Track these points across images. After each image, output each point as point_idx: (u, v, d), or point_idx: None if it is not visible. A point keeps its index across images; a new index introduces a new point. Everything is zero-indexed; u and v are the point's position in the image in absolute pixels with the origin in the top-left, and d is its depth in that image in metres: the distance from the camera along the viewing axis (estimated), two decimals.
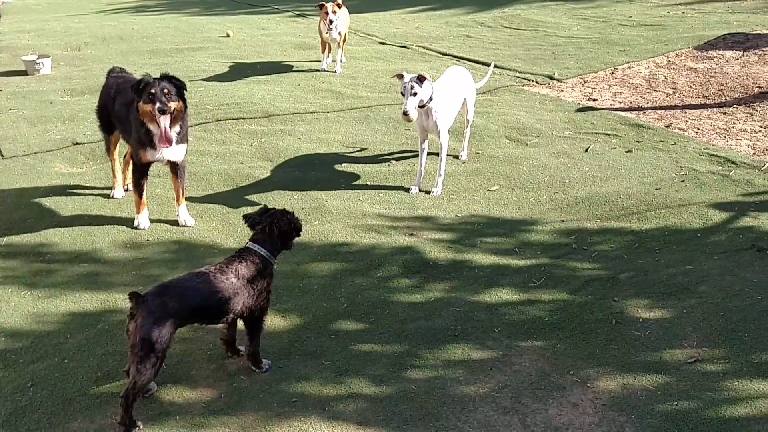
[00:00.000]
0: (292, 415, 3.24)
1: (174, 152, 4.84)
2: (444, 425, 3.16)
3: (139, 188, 4.99)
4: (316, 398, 3.35)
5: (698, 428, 3.08)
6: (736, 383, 3.34)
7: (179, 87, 4.70)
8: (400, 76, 5.32)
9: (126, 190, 5.61)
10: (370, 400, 3.33)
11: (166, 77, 4.67)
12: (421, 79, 5.23)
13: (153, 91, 4.54)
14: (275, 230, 3.47)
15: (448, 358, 3.62)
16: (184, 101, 4.75)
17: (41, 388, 3.45)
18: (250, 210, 5.20)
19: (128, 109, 4.90)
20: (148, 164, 4.94)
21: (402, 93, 5.26)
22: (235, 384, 3.44)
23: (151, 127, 4.67)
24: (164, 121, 4.59)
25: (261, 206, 3.66)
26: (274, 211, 3.55)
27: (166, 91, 4.58)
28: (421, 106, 5.34)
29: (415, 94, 5.20)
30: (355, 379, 3.47)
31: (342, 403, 3.32)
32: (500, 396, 3.32)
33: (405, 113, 5.19)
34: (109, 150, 5.57)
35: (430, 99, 5.35)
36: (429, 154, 5.69)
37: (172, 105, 4.61)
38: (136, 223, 5.03)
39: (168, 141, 4.65)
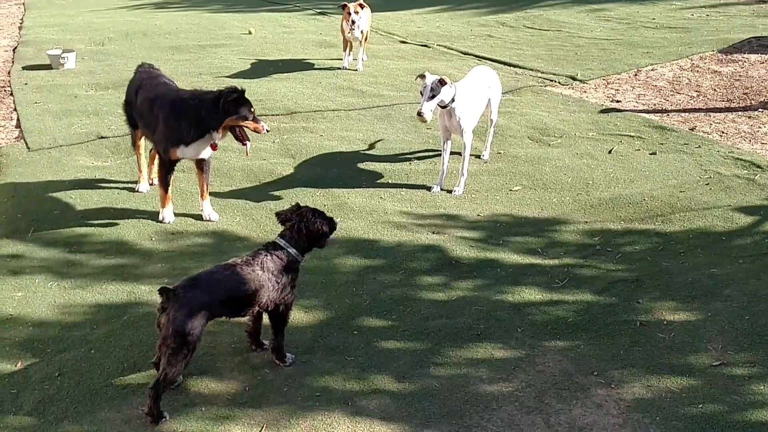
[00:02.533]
0: (315, 409, 3.26)
1: (204, 151, 4.92)
2: (467, 423, 3.16)
3: (164, 183, 5.04)
4: (339, 393, 3.37)
5: (724, 431, 3.07)
6: (762, 387, 3.31)
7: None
8: (422, 77, 5.33)
9: (151, 184, 5.66)
10: (393, 397, 3.34)
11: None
12: (441, 83, 5.22)
13: (252, 110, 4.84)
14: (303, 230, 3.48)
15: (471, 356, 3.62)
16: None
17: (68, 377, 3.49)
18: (272, 205, 5.26)
19: (152, 105, 4.95)
20: (176, 161, 4.99)
21: (421, 93, 5.28)
22: (260, 377, 3.47)
23: (215, 133, 4.81)
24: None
25: (294, 204, 3.66)
26: (305, 210, 3.55)
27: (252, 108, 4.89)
28: (443, 107, 5.34)
29: (432, 97, 5.22)
30: (378, 375, 3.48)
31: (365, 398, 3.33)
32: (524, 395, 3.32)
33: (419, 114, 5.24)
34: (135, 144, 5.61)
35: (452, 100, 5.33)
36: (451, 153, 5.69)
37: None
38: (161, 217, 5.08)
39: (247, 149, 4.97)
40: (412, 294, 4.18)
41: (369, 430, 3.14)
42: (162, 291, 3.14)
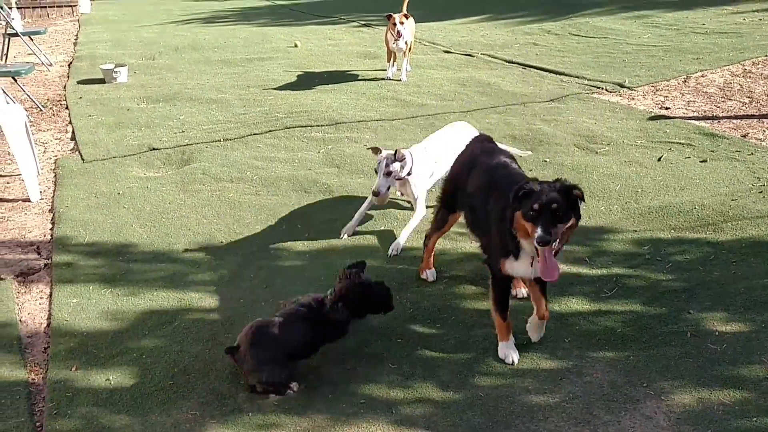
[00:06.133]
0: (360, 416, 3.28)
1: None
2: None
3: (501, 308, 3.66)
4: (383, 401, 3.37)
5: None
6: None
7: (574, 199, 3.27)
8: (376, 151, 4.91)
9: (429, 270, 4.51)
10: (437, 406, 3.33)
11: (559, 189, 3.24)
12: (399, 158, 4.76)
13: (536, 206, 3.18)
14: (346, 300, 3.60)
15: (516, 366, 3.59)
16: (578, 215, 3.30)
17: (120, 382, 3.58)
18: (317, 214, 5.32)
19: (486, 196, 3.66)
20: (506, 278, 3.60)
21: (375, 170, 4.84)
22: (305, 384, 3.50)
23: (523, 241, 3.36)
24: (546, 251, 3.26)
25: (358, 262, 3.77)
26: (353, 280, 3.64)
27: (555, 207, 3.18)
28: (397, 178, 4.87)
29: (388, 174, 4.75)
30: (422, 384, 3.48)
31: (409, 407, 3.33)
32: (571, 407, 3.28)
33: (376, 193, 4.76)
34: (440, 229, 4.37)
35: (409, 173, 4.87)
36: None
37: (560, 231, 3.23)
38: (502, 355, 3.68)
39: (551, 275, 3.31)
40: (455, 303, 4.17)
41: None
42: (228, 351, 3.47)
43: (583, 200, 3.32)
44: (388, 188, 4.82)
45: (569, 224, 3.26)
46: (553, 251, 3.29)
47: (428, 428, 3.20)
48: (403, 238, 4.82)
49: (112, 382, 3.58)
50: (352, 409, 3.33)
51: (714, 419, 3.13)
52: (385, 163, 4.75)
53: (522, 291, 4.17)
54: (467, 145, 4.31)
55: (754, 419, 3.11)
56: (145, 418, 3.32)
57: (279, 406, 3.37)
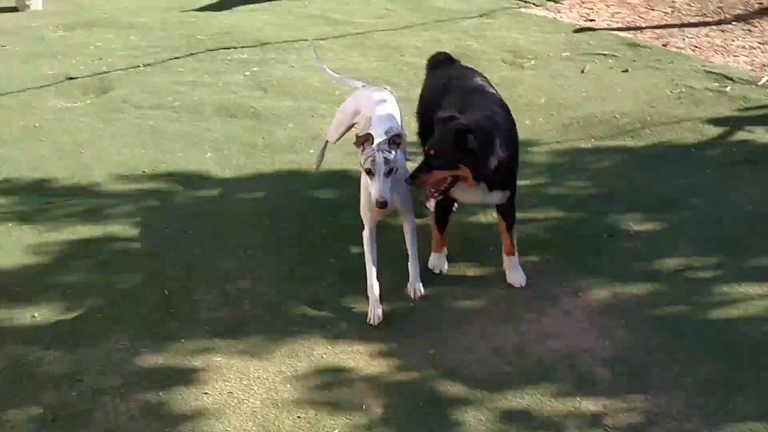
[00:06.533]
0: (296, 334, 3.31)
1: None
2: (443, 337, 3.27)
3: (440, 222, 3.71)
4: (318, 319, 3.42)
5: (687, 330, 3.21)
6: (725, 288, 3.44)
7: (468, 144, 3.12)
8: (364, 140, 3.26)
9: None
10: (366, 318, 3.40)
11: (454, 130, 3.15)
12: (394, 142, 3.29)
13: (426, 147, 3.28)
14: None
15: (445, 276, 3.70)
16: (477, 165, 3.18)
17: (47, 318, 3.50)
18: (243, 139, 5.23)
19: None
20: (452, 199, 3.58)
21: (369, 170, 3.24)
22: (237, 308, 3.52)
23: None
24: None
25: None
26: None
27: (432, 153, 3.17)
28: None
29: (390, 172, 3.22)
30: (353, 298, 3.54)
31: (343, 322, 3.41)
32: (495, 309, 3.43)
33: (382, 204, 3.21)
34: None
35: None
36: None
37: (435, 177, 3.24)
38: (431, 265, 3.73)
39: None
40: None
41: (348, 348, 3.23)
42: None
43: (468, 145, 3.10)
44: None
45: (455, 173, 3.20)
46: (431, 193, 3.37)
47: (362, 339, 3.28)
48: (417, 274, 3.56)
49: (39, 319, 3.52)
50: (288, 328, 3.38)
51: (628, 310, 3.34)
52: (383, 157, 3.21)
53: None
54: (437, 68, 4.03)
55: (666, 308, 3.34)
56: (75, 352, 3.28)
57: (211, 330, 3.38)
